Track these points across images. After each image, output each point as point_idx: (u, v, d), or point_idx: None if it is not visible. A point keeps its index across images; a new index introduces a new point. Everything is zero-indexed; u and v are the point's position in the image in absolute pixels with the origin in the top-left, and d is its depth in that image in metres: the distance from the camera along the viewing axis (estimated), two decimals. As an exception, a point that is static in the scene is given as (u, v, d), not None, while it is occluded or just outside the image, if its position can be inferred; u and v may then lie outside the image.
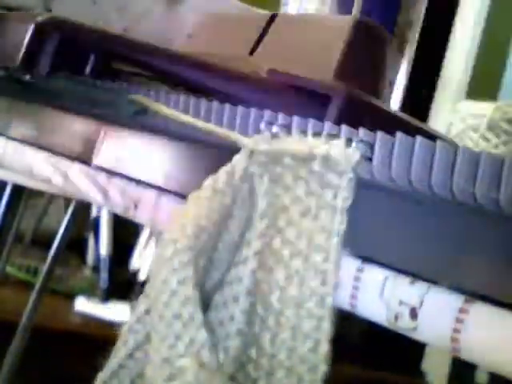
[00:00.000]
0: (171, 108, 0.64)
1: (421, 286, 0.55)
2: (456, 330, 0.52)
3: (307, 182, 0.35)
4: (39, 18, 0.74)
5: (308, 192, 0.35)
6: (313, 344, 0.33)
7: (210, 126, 0.44)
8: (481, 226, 0.52)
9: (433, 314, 0.54)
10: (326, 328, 0.33)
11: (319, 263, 0.34)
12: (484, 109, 0.99)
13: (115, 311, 2.32)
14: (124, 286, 2.39)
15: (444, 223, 0.54)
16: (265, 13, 0.85)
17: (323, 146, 0.37)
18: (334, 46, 0.72)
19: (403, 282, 0.56)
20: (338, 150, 0.37)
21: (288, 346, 0.32)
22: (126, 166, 0.76)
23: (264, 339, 0.32)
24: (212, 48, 0.83)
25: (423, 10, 1.04)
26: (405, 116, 0.71)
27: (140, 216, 0.73)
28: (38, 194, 2.16)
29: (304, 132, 0.40)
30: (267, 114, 0.53)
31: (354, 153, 0.37)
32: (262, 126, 0.50)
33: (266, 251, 0.33)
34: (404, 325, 0.55)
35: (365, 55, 0.73)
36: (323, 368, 0.32)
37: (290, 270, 0.33)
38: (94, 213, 2.45)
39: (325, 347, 0.32)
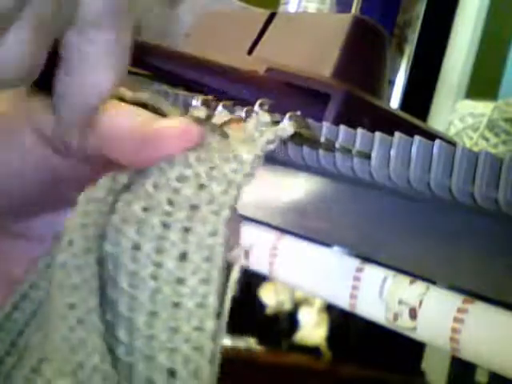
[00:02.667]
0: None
1: (420, 286, 0.55)
2: (455, 330, 0.51)
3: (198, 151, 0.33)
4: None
5: (199, 159, 0.33)
6: (197, 322, 0.31)
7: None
8: (480, 225, 0.51)
9: (432, 314, 0.54)
10: (212, 305, 0.31)
11: (204, 236, 0.32)
12: (483, 108, 0.99)
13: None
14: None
15: (443, 223, 0.54)
16: (264, 11, 0.85)
17: (238, 119, 0.35)
18: (332, 44, 0.71)
19: (403, 281, 0.56)
20: (252, 124, 0.35)
21: (169, 326, 0.31)
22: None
23: (138, 320, 0.31)
24: (211, 47, 0.83)
25: (423, 10, 1.04)
26: (404, 115, 0.71)
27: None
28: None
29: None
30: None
31: (271, 130, 0.34)
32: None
33: (127, 217, 0.32)
34: (403, 324, 0.55)
35: (364, 54, 0.73)
36: (209, 347, 0.31)
37: (163, 241, 0.31)
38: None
39: (210, 325, 0.31)
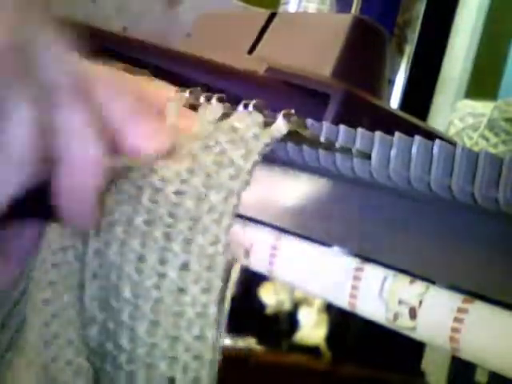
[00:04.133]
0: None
1: (420, 286, 0.55)
2: (455, 330, 0.51)
3: (196, 155, 0.33)
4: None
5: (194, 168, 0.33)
6: (198, 331, 0.31)
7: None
8: (480, 225, 0.51)
9: (432, 314, 0.54)
10: (212, 314, 0.31)
11: (205, 246, 0.32)
12: (483, 108, 0.99)
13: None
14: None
15: (443, 223, 0.54)
16: (264, 11, 0.85)
17: (234, 121, 0.34)
18: (332, 44, 0.71)
19: (402, 281, 0.56)
20: (245, 126, 0.34)
21: (170, 334, 0.31)
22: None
23: (140, 329, 0.31)
24: (211, 47, 0.83)
25: (423, 10, 1.04)
26: (404, 114, 0.71)
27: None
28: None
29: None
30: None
31: (266, 132, 0.34)
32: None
33: (129, 231, 0.32)
34: (403, 324, 0.55)
35: (363, 53, 0.72)
36: (209, 356, 0.31)
37: (166, 252, 0.32)
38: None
39: (211, 334, 0.31)
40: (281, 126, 0.35)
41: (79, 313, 0.32)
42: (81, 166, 0.31)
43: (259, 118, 0.34)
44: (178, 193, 0.32)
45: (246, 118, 0.34)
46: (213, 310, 0.31)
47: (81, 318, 0.32)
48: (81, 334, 0.31)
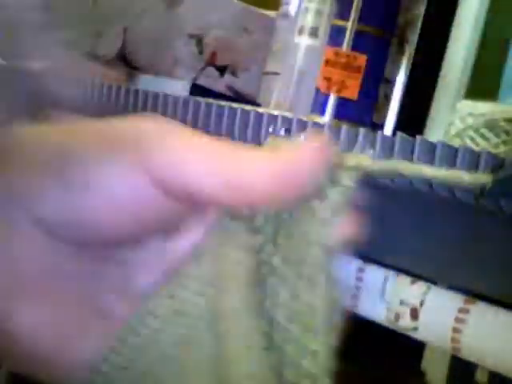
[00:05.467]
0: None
1: (421, 286, 0.55)
2: (456, 330, 0.52)
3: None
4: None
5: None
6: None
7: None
8: (481, 225, 0.52)
9: (433, 314, 0.54)
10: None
11: (310, 343, 0.34)
12: (484, 108, 0.99)
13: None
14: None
15: (444, 223, 0.54)
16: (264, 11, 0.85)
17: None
18: None
19: (404, 281, 0.56)
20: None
21: None
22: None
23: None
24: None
25: (423, 10, 1.04)
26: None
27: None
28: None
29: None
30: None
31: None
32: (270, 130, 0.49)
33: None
34: (405, 325, 0.55)
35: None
36: None
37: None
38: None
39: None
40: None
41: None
42: None
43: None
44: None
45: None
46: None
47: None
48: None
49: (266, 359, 0.32)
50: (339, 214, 0.33)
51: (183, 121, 0.73)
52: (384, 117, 0.97)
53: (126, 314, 0.34)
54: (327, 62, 0.93)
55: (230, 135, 0.67)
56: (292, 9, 1.03)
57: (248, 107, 0.70)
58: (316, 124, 0.57)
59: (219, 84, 1.12)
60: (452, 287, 0.53)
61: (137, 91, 0.81)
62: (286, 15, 1.02)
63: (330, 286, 0.33)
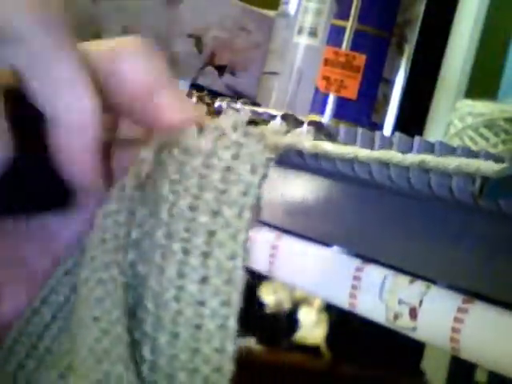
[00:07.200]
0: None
1: (420, 286, 0.55)
2: (455, 330, 0.52)
3: (204, 175, 0.33)
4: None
5: (203, 185, 0.33)
6: (218, 344, 0.32)
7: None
8: (480, 225, 0.52)
9: (432, 314, 0.54)
10: (232, 326, 0.32)
11: (223, 260, 0.32)
12: (483, 108, 0.99)
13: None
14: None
15: (443, 223, 0.54)
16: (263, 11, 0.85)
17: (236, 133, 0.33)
18: None
19: (403, 281, 0.56)
20: (251, 138, 0.34)
21: (190, 346, 0.32)
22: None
23: (161, 340, 0.32)
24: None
25: (423, 10, 1.04)
26: None
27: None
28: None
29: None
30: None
31: (270, 144, 0.33)
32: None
33: (152, 244, 0.33)
34: (403, 324, 0.55)
35: None
36: (229, 368, 0.32)
37: (184, 266, 0.32)
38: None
39: (230, 346, 0.32)
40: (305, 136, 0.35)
41: (127, 328, 0.32)
42: (75, 119, 0.29)
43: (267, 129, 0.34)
44: (191, 208, 0.32)
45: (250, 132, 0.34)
46: (232, 322, 0.31)
47: (129, 333, 0.32)
48: (129, 349, 0.32)
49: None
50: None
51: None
52: (383, 116, 0.97)
53: (48, 269, 0.33)
54: (326, 62, 0.93)
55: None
56: (291, 8, 1.03)
57: (247, 107, 0.70)
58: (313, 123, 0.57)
59: (218, 83, 1.12)
60: (451, 287, 0.53)
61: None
62: (285, 15, 1.02)
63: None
